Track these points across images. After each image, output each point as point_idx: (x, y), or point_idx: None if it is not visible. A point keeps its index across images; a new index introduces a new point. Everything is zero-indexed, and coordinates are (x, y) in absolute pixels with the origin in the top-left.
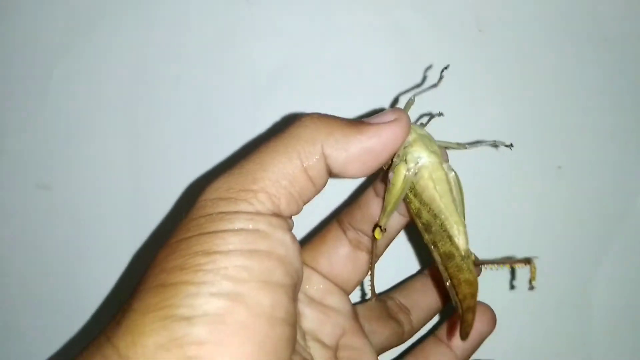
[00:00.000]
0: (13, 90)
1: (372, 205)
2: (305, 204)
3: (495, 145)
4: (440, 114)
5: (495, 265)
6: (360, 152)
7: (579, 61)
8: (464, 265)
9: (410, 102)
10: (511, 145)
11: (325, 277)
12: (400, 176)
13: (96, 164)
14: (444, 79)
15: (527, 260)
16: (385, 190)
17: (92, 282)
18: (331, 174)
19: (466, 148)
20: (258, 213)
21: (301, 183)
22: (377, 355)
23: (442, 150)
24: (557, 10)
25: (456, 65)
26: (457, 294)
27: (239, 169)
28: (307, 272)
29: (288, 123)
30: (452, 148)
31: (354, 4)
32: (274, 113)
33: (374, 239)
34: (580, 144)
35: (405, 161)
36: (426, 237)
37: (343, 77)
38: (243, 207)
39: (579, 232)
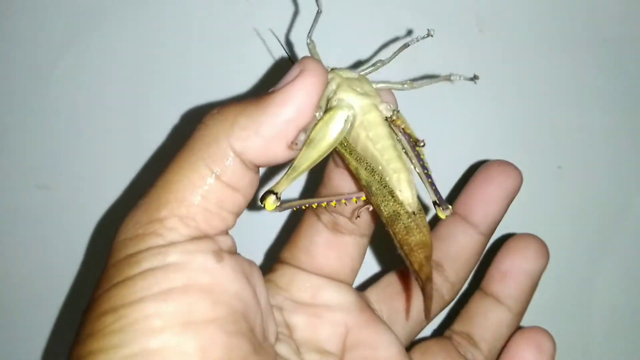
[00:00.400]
0: (13, 89)
1: (334, 177)
2: (236, 214)
3: (449, 79)
4: (428, 35)
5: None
6: (276, 129)
7: (579, 61)
8: (412, 224)
9: (311, 45)
10: (475, 77)
11: (310, 272)
12: (335, 122)
13: (96, 164)
14: (446, 85)
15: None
16: (306, 147)
17: (92, 283)
18: (261, 166)
19: (414, 87)
20: (170, 244)
21: (217, 193)
22: (410, 336)
23: (379, 92)
24: (557, 11)
25: (456, 65)
26: (411, 264)
27: (144, 197)
28: (289, 274)
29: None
30: (397, 89)
31: (354, 3)
32: None
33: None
34: (581, 143)
35: (332, 110)
36: (373, 201)
37: None
38: (152, 241)
39: (579, 231)
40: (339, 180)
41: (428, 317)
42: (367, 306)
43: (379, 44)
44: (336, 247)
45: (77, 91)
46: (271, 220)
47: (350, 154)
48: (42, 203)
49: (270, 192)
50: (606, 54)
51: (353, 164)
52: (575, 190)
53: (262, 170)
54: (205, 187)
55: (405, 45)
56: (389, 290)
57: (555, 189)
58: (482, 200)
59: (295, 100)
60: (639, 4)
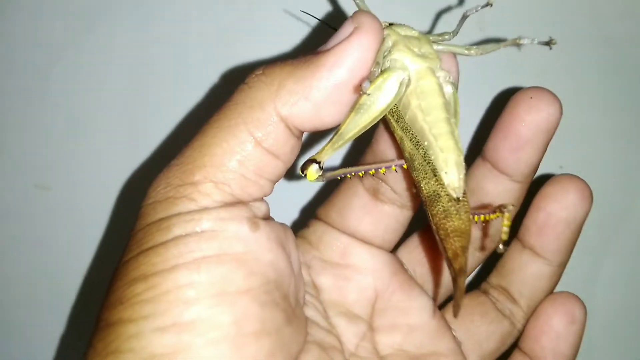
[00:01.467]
0: (13, 89)
1: (381, 141)
2: (274, 181)
3: (517, 43)
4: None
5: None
6: (327, 94)
7: (580, 61)
8: (453, 209)
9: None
10: (551, 41)
11: (341, 232)
12: (389, 86)
13: (96, 164)
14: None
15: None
16: (351, 109)
17: (92, 283)
18: (306, 131)
19: (480, 53)
20: (203, 209)
21: (256, 160)
22: (446, 292)
23: (439, 56)
24: (557, 10)
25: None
26: (445, 251)
27: (178, 159)
28: (320, 231)
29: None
30: (460, 54)
31: (354, 3)
32: None
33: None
34: (582, 144)
35: (385, 72)
36: (414, 176)
37: None
38: (184, 206)
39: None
40: (387, 147)
41: (457, 313)
42: (400, 269)
43: None
44: (372, 213)
45: (76, 91)
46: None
47: (397, 121)
48: (41, 203)
49: (312, 160)
50: (607, 54)
51: (399, 132)
52: None
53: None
54: (244, 153)
55: (465, 16)
56: (420, 250)
57: None
58: (512, 145)
59: (349, 62)
60: (639, 4)
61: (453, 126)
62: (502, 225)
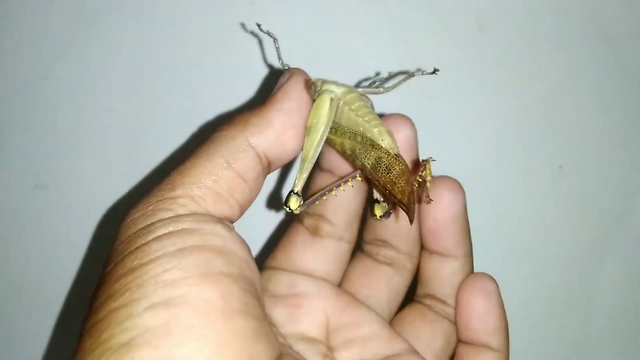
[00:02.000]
0: (12, 89)
1: (332, 160)
2: (242, 205)
3: (413, 75)
4: (390, 76)
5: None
6: (283, 119)
7: (579, 61)
8: (393, 161)
9: (286, 67)
10: (436, 70)
11: (286, 270)
12: (323, 104)
13: (96, 164)
14: (445, 78)
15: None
16: (307, 136)
17: (91, 283)
18: (272, 166)
19: (388, 91)
20: (181, 215)
21: (228, 180)
22: (392, 313)
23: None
24: (557, 10)
25: (456, 65)
26: (395, 196)
27: (157, 187)
28: (268, 274)
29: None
30: (372, 93)
31: (354, 3)
32: None
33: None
34: (581, 143)
35: (320, 96)
36: (358, 165)
37: (343, 76)
38: (163, 214)
39: (580, 231)
40: (338, 162)
41: (412, 219)
42: (344, 292)
43: (379, 43)
44: (313, 248)
45: (76, 91)
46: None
47: (336, 132)
48: (41, 203)
49: (291, 193)
50: (606, 54)
51: (338, 141)
52: (576, 189)
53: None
54: (218, 174)
55: (410, 75)
56: (356, 272)
57: (555, 189)
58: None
59: (291, 93)
60: (639, 4)
61: (374, 113)
62: (426, 175)
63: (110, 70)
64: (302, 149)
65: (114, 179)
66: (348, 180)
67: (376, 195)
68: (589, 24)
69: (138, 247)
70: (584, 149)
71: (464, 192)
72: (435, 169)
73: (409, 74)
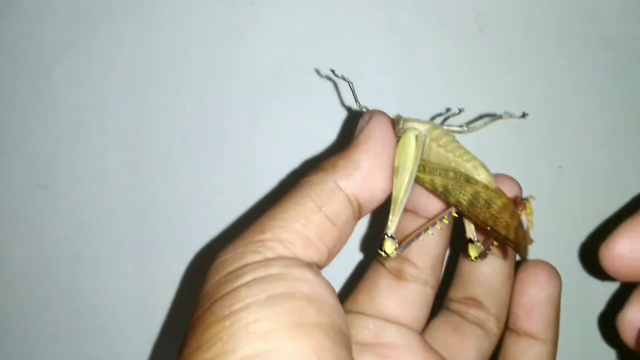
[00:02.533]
0: (12, 90)
1: (420, 200)
2: (331, 251)
3: (501, 117)
4: (461, 111)
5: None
6: (370, 160)
7: (579, 61)
8: (492, 195)
9: (363, 108)
10: (524, 115)
11: (369, 315)
12: (409, 142)
13: (96, 164)
14: (445, 78)
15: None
16: (396, 176)
17: (91, 282)
18: (362, 210)
19: (472, 130)
20: (270, 259)
21: (318, 223)
22: None
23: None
24: (557, 10)
25: (456, 65)
26: (499, 232)
27: (247, 229)
28: (350, 319)
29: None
30: (455, 132)
31: (354, 3)
32: (274, 113)
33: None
34: (581, 143)
35: (404, 134)
36: (452, 202)
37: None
38: (251, 258)
39: (580, 231)
40: (425, 201)
41: (525, 257)
42: (430, 347)
43: (379, 43)
44: (398, 292)
45: (77, 91)
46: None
47: (424, 170)
48: (41, 203)
49: (385, 236)
50: (606, 54)
51: (427, 178)
52: (576, 189)
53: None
54: (308, 218)
55: (497, 117)
56: (444, 327)
57: (555, 189)
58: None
59: (374, 134)
60: (639, 4)
61: (465, 147)
62: (527, 215)
63: (112, 69)
64: (391, 190)
65: (114, 179)
66: (443, 218)
67: (470, 234)
68: (589, 24)
69: (227, 293)
70: (584, 149)
71: (560, 278)
72: None
73: (496, 116)
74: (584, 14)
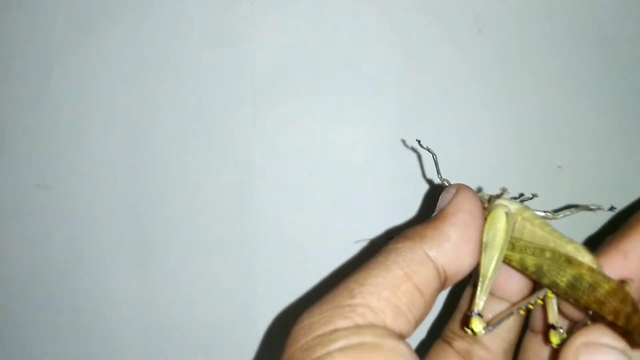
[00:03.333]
0: (13, 90)
1: (499, 279)
2: (417, 322)
3: (589, 209)
4: (535, 195)
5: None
6: (460, 232)
7: (579, 61)
8: (597, 277)
9: (444, 180)
10: (612, 208)
11: None
12: (499, 218)
13: (96, 164)
14: (444, 78)
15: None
16: (484, 252)
17: (91, 282)
18: (447, 282)
19: (556, 218)
20: (361, 326)
21: (407, 293)
22: None
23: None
24: (557, 10)
25: (456, 65)
26: (605, 319)
27: (332, 292)
28: None
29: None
30: (540, 217)
31: (354, 4)
32: (274, 113)
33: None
34: (581, 143)
35: (493, 210)
36: (545, 283)
37: (343, 76)
38: (340, 323)
39: (579, 231)
40: (503, 282)
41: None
42: None
43: (379, 43)
44: None
45: (77, 91)
46: None
47: (513, 248)
48: (42, 203)
49: (472, 314)
50: (606, 54)
51: (517, 257)
52: (575, 190)
53: None
54: (397, 285)
55: (584, 208)
56: None
57: (555, 188)
58: None
59: (465, 208)
60: (639, 4)
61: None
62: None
63: (111, 70)
64: (478, 266)
65: (114, 179)
66: (537, 299)
67: (553, 320)
68: (588, 24)
69: (319, 358)
70: (583, 149)
71: None
72: (434, 168)
73: (582, 206)
74: (583, 13)
